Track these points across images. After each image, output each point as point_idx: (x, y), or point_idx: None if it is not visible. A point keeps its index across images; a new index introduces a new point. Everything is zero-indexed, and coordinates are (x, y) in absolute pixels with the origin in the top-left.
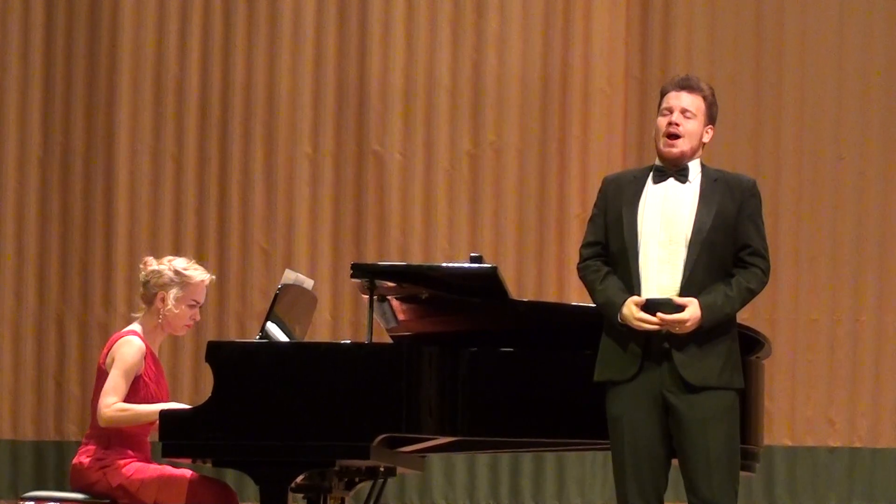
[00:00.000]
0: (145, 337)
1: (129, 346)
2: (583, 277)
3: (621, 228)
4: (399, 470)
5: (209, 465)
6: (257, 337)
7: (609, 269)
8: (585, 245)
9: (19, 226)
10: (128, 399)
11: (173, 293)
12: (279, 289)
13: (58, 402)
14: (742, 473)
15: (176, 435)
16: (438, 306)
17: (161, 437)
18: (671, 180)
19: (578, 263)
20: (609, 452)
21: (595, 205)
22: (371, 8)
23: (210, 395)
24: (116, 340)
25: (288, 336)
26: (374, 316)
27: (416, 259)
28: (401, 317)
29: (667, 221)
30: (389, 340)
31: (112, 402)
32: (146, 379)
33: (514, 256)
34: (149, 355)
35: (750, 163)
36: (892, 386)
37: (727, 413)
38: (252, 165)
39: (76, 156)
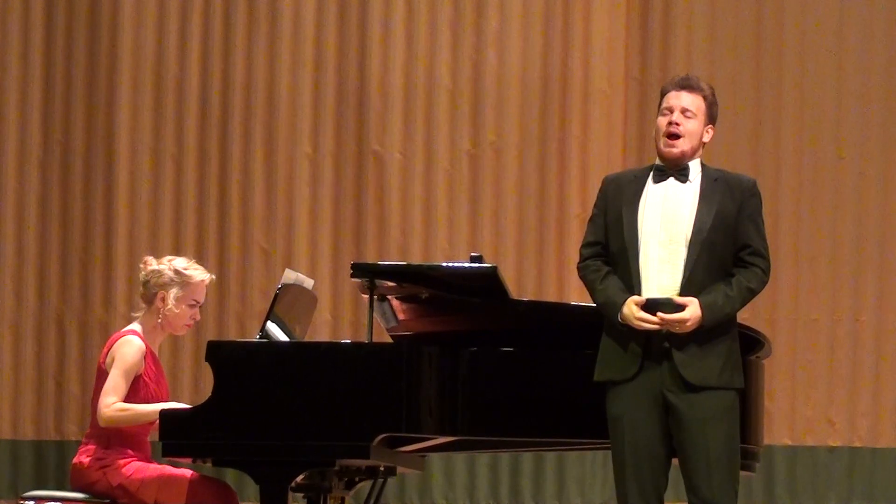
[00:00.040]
0: (145, 337)
1: (128, 346)
2: (583, 277)
3: (621, 228)
4: (399, 470)
5: (209, 464)
6: (257, 337)
7: (609, 268)
8: (585, 245)
9: (19, 226)
10: (128, 399)
11: (173, 293)
12: (279, 288)
13: (58, 402)
14: (742, 473)
15: (176, 434)
16: (438, 306)
17: (161, 437)
18: (671, 180)
19: (578, 263)
20: (609, 452)
21: (595, 205)
22: (371, 8)
23: (210, 394)
24: (116, 340)
25: (288, 336)
26: (374, 316)
27: (416, 259)
28: (401, 317)
29: (667, 221)
30: (389, 340)
31: (112, 402)
32: (146, 379)
33: (514, 256)
34: (149, 355)
35: (750, 163)
36: (892, 386)
37: (727, 413)
38: (252, 165)
39: (76, 156)
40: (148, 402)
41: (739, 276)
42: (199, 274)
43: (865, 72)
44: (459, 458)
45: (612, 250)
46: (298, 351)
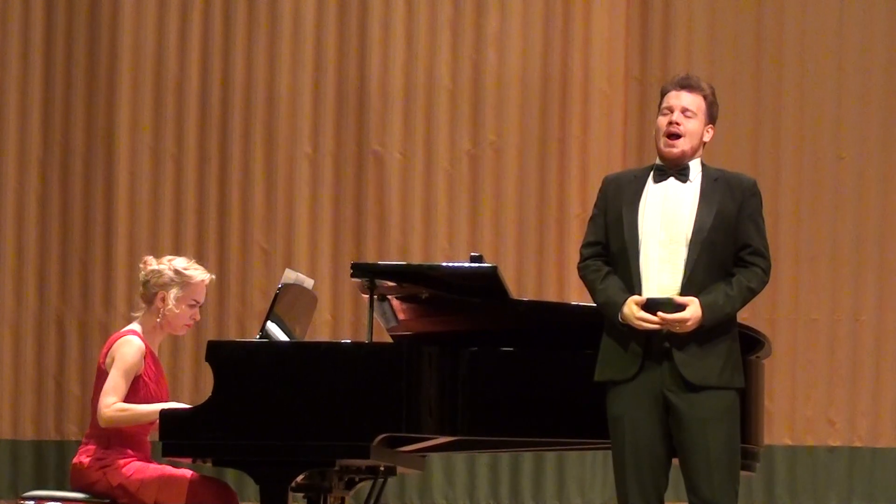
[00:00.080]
0: (145, 336)
1: (128, 346)
2: (583, 277)
3: (622, 228)
4: (399, 469)
5: (209, 464)
6: (257, 336)
7: (609, 268)
8: (586, 245)
9: (19, 226)
10: (128, 399)
11: (173, 293)
12: (279, 288)
13: (58, 402)
14: (742, 473)
15: (176, 434)
16: (438, 306)
17: (161, 437)
18: (672, 180)
19: (579, 263)
20: (609, 452)
21: (595, 204)
22: (371, 8)
23: (210, 394)
24: (116, 340)
25: (288, 336)
26: (374, 316)
27: (416, 259)
28: (401, 316)
29: (667, 221)
30: (389, 340)
31: (112, 402)
32: (146, 379)
33: (514, 256)
34: (148, 355)
35: (750, 163)
36: (892, 386)
37: (727, 412)
38: (252, 165)
39: (76, 156)
40: (148, 402)
41: (740, 275)
42: (200, 274)
43: (865, 72)
44: (459, 458)
45: (613, 250)
46: (298, 351)
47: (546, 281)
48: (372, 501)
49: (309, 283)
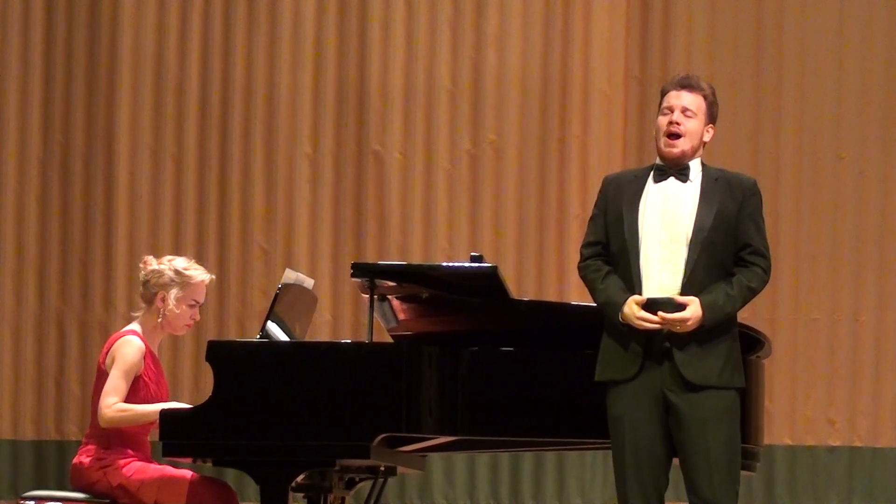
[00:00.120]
0: (145, 336)
1: (128, 346)
2: (583, 277)
3: (622, 228)
4: (399, 469)
5: (209, 464)
6: (257, 336)
7: (610, 268)
8: (586, 245)
9: (19, 226)
10: (128, 399)
11: (173, 293)
12: (279, 288)
13: (58, 402)
14: (742, 473)
15: (176, 434)
16: (438, 306)
17: (161, 437)
18: (672, 179)
19: (579, 263)
20: (609, 452)
21: (595, 204)
22: (371, 8)
23: (210, 394)
24: (116, 340)
25: (288, 336)
26: (374, 316)
27: (416, 259)
28: (401, 316)
29: (667, 221)
30: (389, 340)
31: (113, 403)
32: (146, 379)
33: (514, 256)
34: (148, 355)
35: (750, 163)
36: (892, 386)
37: (728, 412)
38: (252, 165)
39: (76, 156)
40: (148, 403)
41: (740, 275)
42: (200, 274)
43: (865, 72)
44: (459, 458)
45: (613, 250)
46: (298, 351)
47: (546, 281)
48: (372, 501)
49: (309, 283)
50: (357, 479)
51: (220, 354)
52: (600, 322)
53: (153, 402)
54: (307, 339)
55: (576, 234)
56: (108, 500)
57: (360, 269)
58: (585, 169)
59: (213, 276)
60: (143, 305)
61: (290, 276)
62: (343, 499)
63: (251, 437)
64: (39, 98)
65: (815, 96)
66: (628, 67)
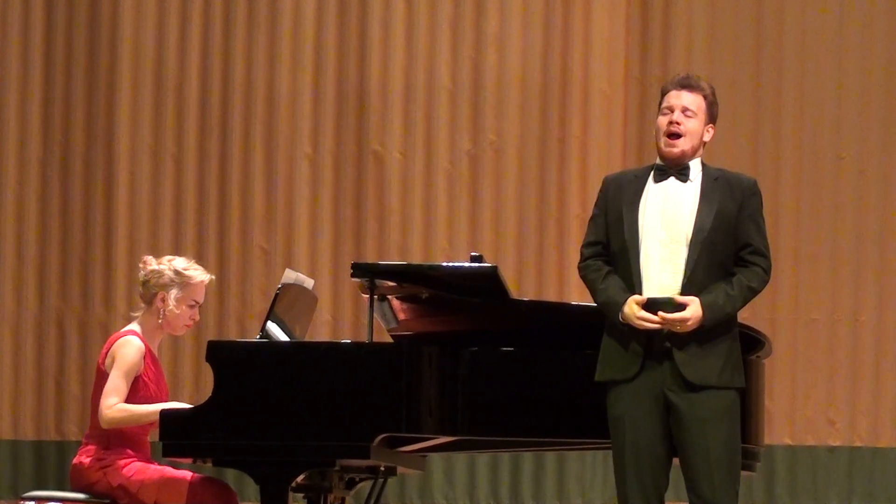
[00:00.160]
0: (144, 337)
1: (128, 347)
2: (584, 277)
3: (622, 228)
4: (399, 470)
5: (209, 464)
6: (257, 337)
7: (610, 268)
8: (586, 244)
9: (19, 226)
10: (127, 399)
11: (173, 293)
12: (279, 288)
13: (58, 402)
14: (742, 473)
15: (176, 435)
16: (438, 306)
17: (161, 437)
18: (672, 179)
19: (579, 263)
20: (609, 452)
21: (596, 204)
22: (371, 8)
23: (210, 394)
24: (115, 340)
25: (288, 336)
26: (374, 316)
27: (416, 259)
28: (401, 317)
29: (667, 220)
30: (389, 340)
31: (113, 403)
32: (145, 379)
33: (514, 256)
34: (148, 355)
35: (750, 163)
36: (892, 385)
37: (728, 412)
38: (252, 165)
39: (76, 156)
40: (148, 403)
41: (740, 275)
42: (199, 274)
43: (865, 72)
44: (459, 458)
45: (613, 250)
46: (298, 351)
47: (546, 281)
48: (372, 501)
49: (309, 283)
50: (357, 480)
51: (220, 354)
52: (600, 322)
53: (153, 403)
54: (307, 339)
55: (576, 234)
56: (108, 501)
57: (360, 269)
58: (585, 169)
59: (213, 277)
60: (143, 306)
61: (290, 276)
62: (343, 499)
63: (251, 437)
64: (39, 98)
65: (815, 96)
66: (628, 67)
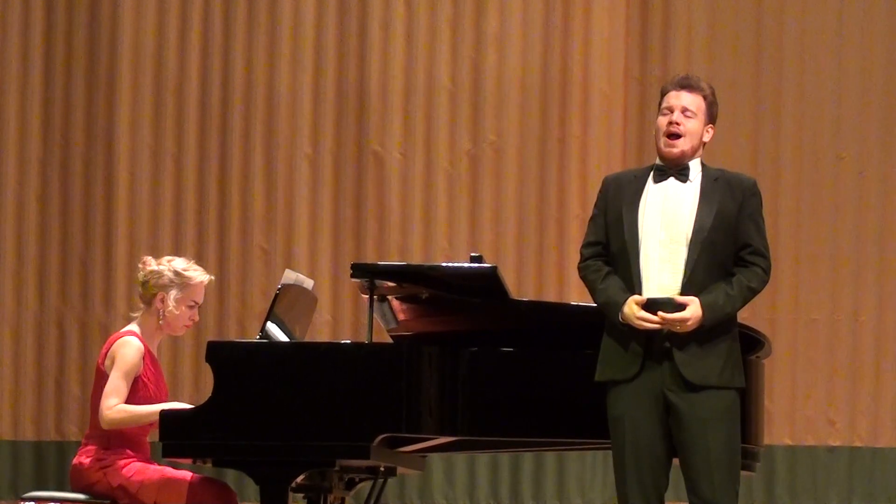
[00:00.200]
0: (143, 337)
1: (128, 348)
2: (583, 277)
3: (622, 228)
4: (399, 470)
5: (209, 465)
6: (257, 337)
7: (610, 268)
8: (586, 245)
9: (19, 226)
10: (127, 400)
11: (173, 294)
12: (279, 289)
13: (58, 402)
14: (742, 473)
15: (176, 435)
16: (438, 306)
17: (161, 437)
18: (672, 180)
19: (579, 263)
20: (609, 452)
21: (595, 204)
22: (371, 8)
23: (210, 395)
24: (115, 341)
25: (288, 336)
26: (374, 316)
27: (416, 259)
28: (401, 317)
29: (667, 221)
30: (389, 340)
31: (114, 404)
32: (145, 380)
33: (514, 256)
34: (147, 355)
35: (750, 163)
36: (892, 385)
37: (728, 412)
38: (252, 165)
39: (76, 156)
40: (147, 403)
41: (740, 275)
42: (199, 275)
43: (865, 72)
44: (459, 458)
45: (613, 250)
46: (298, 351)
47: (546, 281)
48: (372, 502)
49: (309, 283)
50: (357, 480)
51: (220, 355)
52: (600, 322)
53: (152, 403)
54: (307, 339)
55: (576, 234)
56: (107, 501)
57: (359, 270)
58: (585, 169)
59: (213, 277)
60: (142, 306)
61: (290, 276)
62: (343, 499)
63: (251, 437)
64: (39, 98)
65: (815, 96)
66: (628, 68)
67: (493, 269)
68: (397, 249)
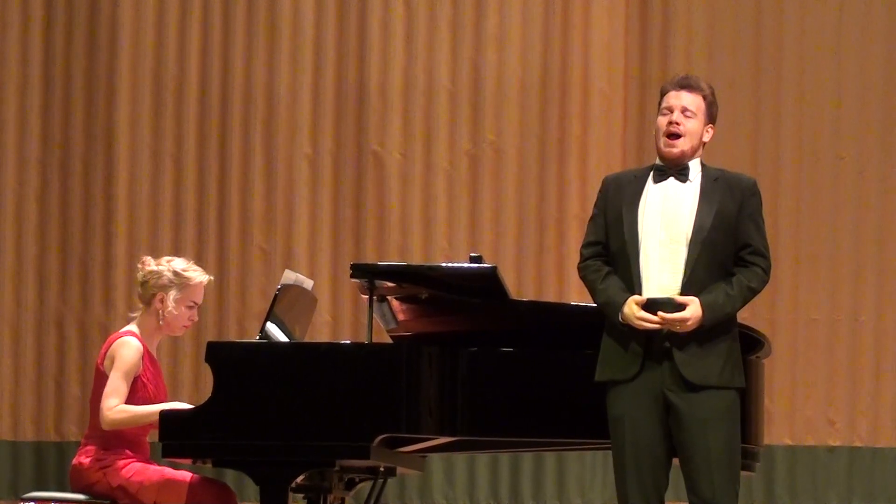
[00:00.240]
0: (142, 337)
1: (126, 348)
2: (583, 277)
3: (622, 228)
4: (399, 470)
5: (209, 465)
6: (257, 337)
7: (610, 268)
8: (586, 245)
9: (19, 226)
10: (126, 400)
11: (172, 294)
12: (279, 289)
13: (58, 403)
14: (742, 473)
15: (176, 435)
16: (438, 306)
17: (161, 438)
18: (671, 180)
19: (579, 263)
20: (609, 452)
21: (595, 204)
22: (370, 8)
23: (210, 395)
24: (114, 341)
25: (288, 336)
26: (374, 316)
27: (416, 259)
28: (400, 317)
29: (667, 221)
30: (389, 341)
31: (114, 405)
32: (144, 380)
33: (514, 256)
34: (146, 356)
35: (749, 163)
36: (891, 385)
37: (728, 412)
38: (251, 166)
39: (76, 156)
40: (146, 403)
41: (740, 275)
42: (198, 275)
43: (865, 72)
44: (459, 458)
45: (613, 250)
46: (298, 351)
47: (546, 281)
48: (372, 502)
49: (308, 283)
50: (357, 480)
51: (220, 355)
52: (600, 322)
53: (151, 403)
54: (307, 339)
55: (575, 235)
56: (107, 502)
57: (359, 270)
58: (585, 169)
59: (212, 277)
60: (142, 306)
61: (290, 276)
62: (343, 499)
63: (251, 437)
64: (39, 98)
65: (815, 96)
66: (628, 67)
67: (493, 270)
68: (397, 250)
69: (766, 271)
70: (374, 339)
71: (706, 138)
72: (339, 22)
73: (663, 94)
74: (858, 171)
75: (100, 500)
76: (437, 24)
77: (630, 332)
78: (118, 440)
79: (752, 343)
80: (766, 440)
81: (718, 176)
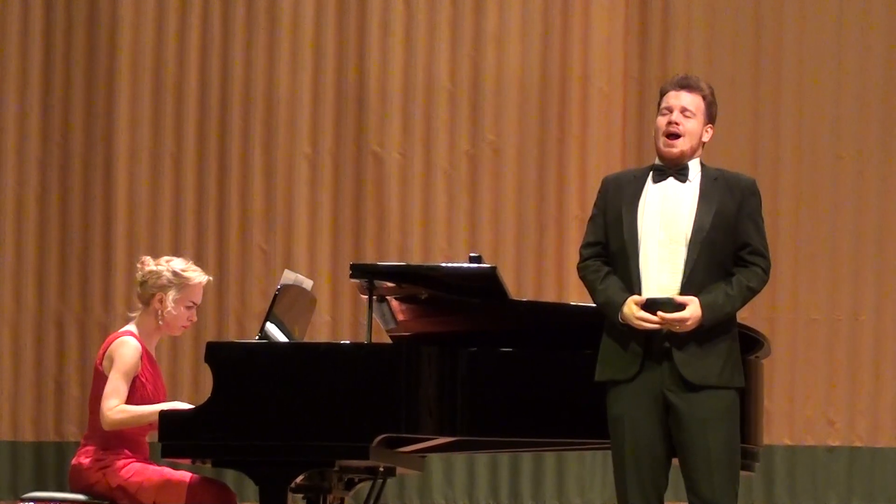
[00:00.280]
0: (141, 337)
1: (126, 348)
2: (583, 277)
3: (621, 228)
4: (399, 470)
5: (209, 465)
6: (257, 337)
7: (609, 268)
8: (585, 245)
9: (19, 226)
10: (125, 400)
11: (171, 294)
12: (278, 289)
13: (57, 403)
14: (742, 473)
15: (175, 435)
16: (438, 306)
17: (161, 438)
18: (671, 180)
19: (578, 263)
20: (609, 452)
21: (595, 204)
22: (370, 8)
23: (209, 395)
24: (112, 341)
25: (287, 336)
26: (374, 316)
27: (416, 259)
28: (400, 317)
29: (667, 221)
30: (388, 341)
31: (115, 405)
32: (143, 380)
33: (514, 256)
34: (145, 355)
35: (749, 162)
36: (891, 385)
37: (727, 412)
38: (251, 165)
39: (75, 156)
40: (145, 403)
41: (739, 275)
42: (198, 276)
43: (865, 72)
44: (459, 458)
45: (612, 250)
46: (298, 351)
47: (545, 281)
48: (371, 502)
49: (308, 283)
50: (356, 480)
51: (220, 355)
52: (600, 322)
53: (150, 403)
54: (306, 339)
55: (575, 235)
56: (107, 502)
57: (358, 270)
58: (585, 169)
59: (211, 278)
60: (141, 306)
61: (289, 276)
62: (342, 499)
63: (250, 437)
64: (38, 98)
65: (815, 96)
66: (627, 67)
67: (493, 270)
68: (396, 249)
69: (766, 271)
70: (374, 340)
71: (706, 138)
72: (339, 22)
73: (663, 94)
74: (858, 171)
75: (99, 501)
76: (437, 24)
77: (630, 332)
78: (118, 440)
79: (751, 343)
80: (766, 440)
81: (718, 176)
